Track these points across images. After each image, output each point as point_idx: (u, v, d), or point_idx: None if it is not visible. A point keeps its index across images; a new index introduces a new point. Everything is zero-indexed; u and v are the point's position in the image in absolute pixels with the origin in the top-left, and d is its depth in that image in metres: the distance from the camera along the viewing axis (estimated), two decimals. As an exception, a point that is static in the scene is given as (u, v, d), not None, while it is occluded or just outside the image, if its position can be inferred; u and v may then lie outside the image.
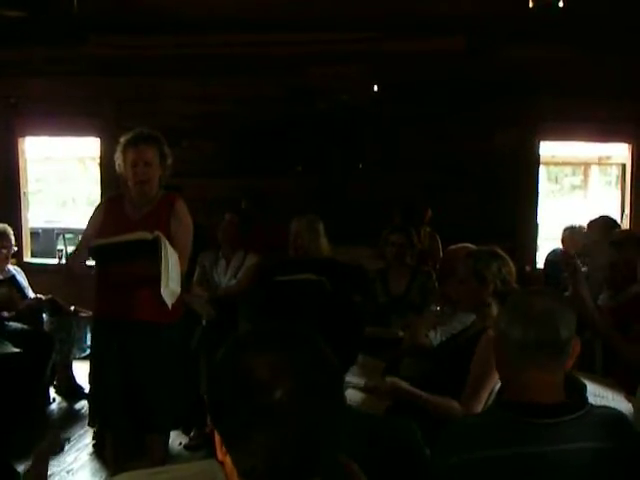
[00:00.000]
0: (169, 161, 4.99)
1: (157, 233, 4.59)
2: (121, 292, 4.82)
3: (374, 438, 2.57)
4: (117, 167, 4.99)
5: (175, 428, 5.71)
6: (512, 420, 2.44)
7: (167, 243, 4.59)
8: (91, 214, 5.14)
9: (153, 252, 4.55)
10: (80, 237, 5.32)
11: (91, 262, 5.05)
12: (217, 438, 1.65)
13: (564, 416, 2.42)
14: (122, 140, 4.95)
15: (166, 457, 5.43)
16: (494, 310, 4.11)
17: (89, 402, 5.41)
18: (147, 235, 4.59)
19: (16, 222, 8.74)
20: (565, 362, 2.50)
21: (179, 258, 4.71)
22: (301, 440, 1.54)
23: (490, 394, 3.88)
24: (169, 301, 4.66)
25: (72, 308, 7.50)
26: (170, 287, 4.63)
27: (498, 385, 3.92)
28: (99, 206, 5.18)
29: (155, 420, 4.97)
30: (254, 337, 1.70)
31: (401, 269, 6.37)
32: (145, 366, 4.84)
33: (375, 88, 8.42)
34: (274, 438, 1.53)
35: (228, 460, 1.62)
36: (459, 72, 8.29)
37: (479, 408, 3.75)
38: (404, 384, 3.90)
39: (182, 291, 4.98)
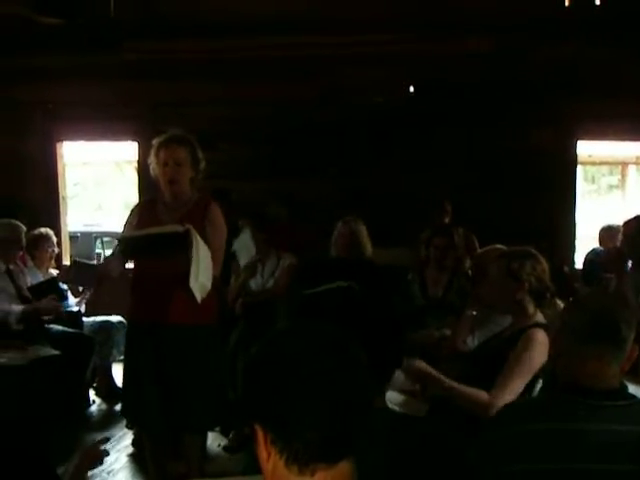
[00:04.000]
0: (202, 164, 5.01)
1: (188, 226, 4.60)
2: (154, 294, 4.85)
3: (415, 439, 2.58)
4: (151, 170, 5.03)
5: (211, 429, 5.73)
6: (568, 400, 2.58)
7: (198, 237, 4.60)
8: (126, 218, 5.19)
9: (184, 245, 4.57)
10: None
11: (128, 264, 5.09)
12: (260, 435, 1.69)
13: (618, 401, 2.57)
14: (155, 142, 4.99)
15: (204, 458, 5.45)
16: (531, 309, 4.11)
17: (123, 404, 5.43)
18: (178, 228, 4.61)
19: (55, 226, 8.81)
20: (622, 358, 2.64)
21: (212, 261, 4.73)
22: (340, 410, 1.63)
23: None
24: (198, 295, 4.65)
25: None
26: (200, 281, 4.63)
27: (539, 385, 3.92)
28: (133, 209, 5.22)
29: (190, 421, 5.00)
30: (287, 328, 1.83)
31: (440, 271, 6.34)
32: (179, 368, 4.86)
33: (411, 89, 8.41)
34: (319, 407, 1.62)
35: (273, 456, 1.66)
36: (494, 72, 8.26)
37: (506, 400, 3.74)
38: (431, 369, 3.87)
39: (216, 293, 5.01)
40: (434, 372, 3.84)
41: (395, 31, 7.99)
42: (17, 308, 6.54)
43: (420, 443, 2.60)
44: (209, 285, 4.74)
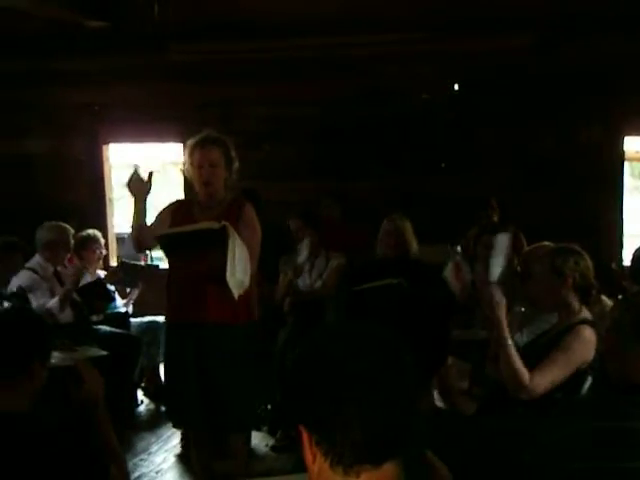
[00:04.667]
0: (235, 165, 5.02)
1: (224, 223, 4.62)
2: (191, 294, 4.87)
3: (464, 438, 2.57)
4: (185, 171, 5.06)
5: (252, 428, 5.73)
6: (621, 398, 2.61)
7: (235, 234, 4.61)
8: (158, 212, 5.21)
9: (221, 242, 4.59)
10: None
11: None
12: (305, 437, 1.69)
13: None
14: (189, 143, 5.01)
15: (250, 457, 5.47)
16: (576, 305, 4.10)
17: (166, 405, 5.46)
18: (214, 224, 4.62)
19: (102, 228, 8.88)
20: None
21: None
22: (385, 410, 1.62)
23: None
24: (235, 291, 4.67)
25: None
26: (237, 276, 4.64)
27: (589, 382, 3.90)
28: (166, 208, 5.21)
29: (231, 420, 5.02)
30: (332, 328, 1.86)
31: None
32: (219, 367, 4.88)
33: (456, 87, 8.36)
34: (364, 408, 1.60)
35: (318, 458, 1.66)
36: (539, 69, 8.18)
37: (541, 388, 3.75)
38: (502, 319, 3.87)
39: (255, 292, 5.03)
40: (503, 323, 3.85)
41: (438, 28, 7.95)
42: (52, 301, 6.58)
43: (468, 442, 2.58)
44: (247, 282, 4.75)
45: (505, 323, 3.86)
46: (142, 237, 5.06)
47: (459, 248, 6.10)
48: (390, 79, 8.49)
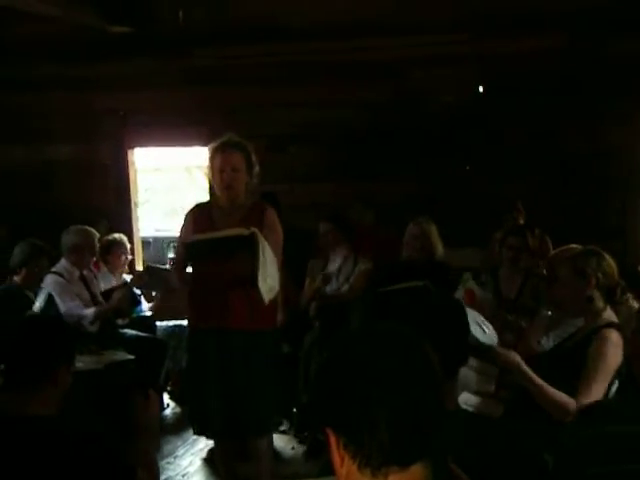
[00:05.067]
0: (256, 169, 5.02)
1: (253, 229, 4.62)
2: (216, 299, 4.87)
3: (490, 440, 2.56)
4: (206, 175, 5.06)
5: (271, 431, 5.73)
6: None
7: (263, 239, 4.61)
8: (182, 224, 5.22)
9: (249, 248, 4.58)
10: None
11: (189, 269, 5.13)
12: (332, 440, 1.69)
13: None
14: (210, 147, 5.01)
15: (276, 460, 5.46)
16: (600, 304, 4.10)
17: (189, 411, 5.46)
18: (244, 231, 4.63)
19: (128, 232, 8.91)
20: None
21: None
22: (413, 412, 1.62)
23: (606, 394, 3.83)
24: (266, 297, 4.68)
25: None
26: (268, 282, 4.65)
27: (615, 386, 3.86)
28: (188, 214, 5.22)
29: (254, 424, 5.02)
30: (358, 331, 1.83)
31: (514, 272, 6.25)
32: (241, 373, 4.89)
33: (480, 89, 8.33)
34: (391, 410, 1.61)
35: (346, 461, 1.66)
36: (565, 69, 8.14)
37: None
38: (522, 363, 3.85)
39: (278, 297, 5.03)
40: (526, 367, 3.83)
41: (463, 30, 7.93)
42: (89, 311, 6.63)
43: (492, 444, 2.57)
44: (276, 287, 4.77)
45: (527, 369, 3.84)
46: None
47: (470, 275, 6.06)
48: (417, 82, 8.46)
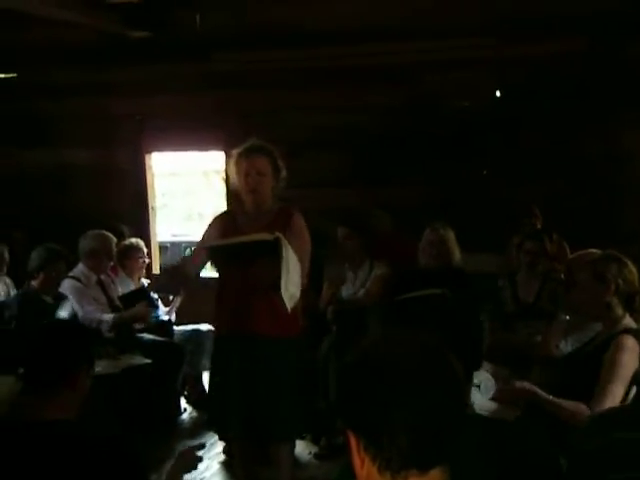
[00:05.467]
0: (283, 173, 5.00)
1: (278, 234, 4.59)
2: (241, 305, 4.86)
3: (504, 445, 2.55)
4: (231, 180, 5.05)
5: (295, 438, 5.72)
6: None
7: (288, 245, 4.59)
8: (206, 227, 5.21)
9: (273, 254, 4.56)
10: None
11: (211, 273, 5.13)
12: (353, 442, 1.70)
13: None
14: (234, 152, 5.00)
15: (294, 466, 5.46)
16: (619, 312, 4.07)
17: (209, 415, 5.46)
18: (268, 236, 4.60)
19: (145, 236, 8.94)
20: None
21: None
22: (432, 416, 1.63)
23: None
24: (289, 304, 4.64)
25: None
26: (290, 290, 4.62)
27: (633, 392, 3.84)
28: (214, 220, 5.23)
29: (277, 430, 5.01)
30: (380, 335, 1.84)
31: (531, 276, 6.23)
32: (266, 379, 4.87)
33: (498, 93, 8.31)
34: (412, 414, 1.62)
35: (366, 463, 1.67)
36: (584, 73, 8.10)
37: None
38: (535, 387, 3.89)
39: (302, 303, 5.01)
40: (538, 391, 3.86)
41: (480, 34, 7.91)
42: (108, 317, 6.65)
43: (508, 448, 2.56)
44: (298, 294, 4.74)
45: (542, 393, 3.89)
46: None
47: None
48: (433, 86, 8.45)
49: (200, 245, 5.16)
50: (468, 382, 2.73)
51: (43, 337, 3.17)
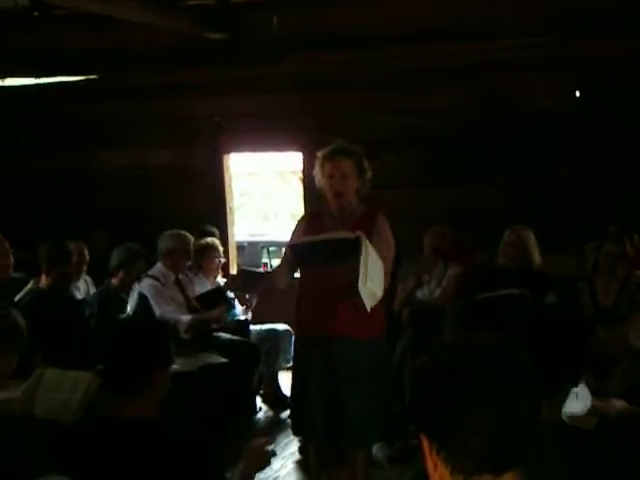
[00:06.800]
0: (368, 175, 4.99)
1: (359, 233, 4.58)
2: (322, 307, 4.84)
3: (584, 452, 2.51)
4: (317, 182, 5.06)
5: (375, 443, 5.70)
6: None
7: (368, 244, 4.56)
8: (293, 229, 5.23)
9: (355, 252, 4.52)
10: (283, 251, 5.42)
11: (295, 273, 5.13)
12: (426, 445, 1.70)
13: None
14: (319, 154, 5.01)
15: (368, 468, 5.44)
16: None
17: (291, 415, 5.46)
18: (349, 234, 4.58)
19: (223, 236, 9.00)
20: None
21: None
22: (506, 421, 1.62)
23: None
24: (367, 301, 4.57)
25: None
26: (369, 287, 4.54)
27: None
28: (300, 221, 5.26)
29: (355, 435, 4.97)
30: (458, 339, 1.82)
31: (611, 279, 6.13)
32: (346, 382, 4.83)
33: (577, 93, 8.18)
34: (485, 418, 1.61)
35: (439, 466, 1.67)
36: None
37: None
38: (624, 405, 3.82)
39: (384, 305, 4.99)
40: (625, 405, 3.82)
41: (559, 33, 7.80)
42: (185, 318, 6.70)
43: (589, 457, 2.52)
44: (379, 294, 4.67)
45: (626, 405, 3.85)
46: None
47: None
48: (510, 86, 8.36)
49: (286, 250, 5.16)
50: (559, 391, 2.68)
51: (124, 335, 3.19)
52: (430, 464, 1.69)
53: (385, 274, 4.74)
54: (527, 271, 6.35)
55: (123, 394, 3.03)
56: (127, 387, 3.03)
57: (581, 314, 6.06)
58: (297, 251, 4.90)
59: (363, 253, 4.48)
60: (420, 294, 7.02)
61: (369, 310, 4.61)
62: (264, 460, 3.30)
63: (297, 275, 5.23)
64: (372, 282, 4.56)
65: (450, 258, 7.10)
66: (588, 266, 6.60)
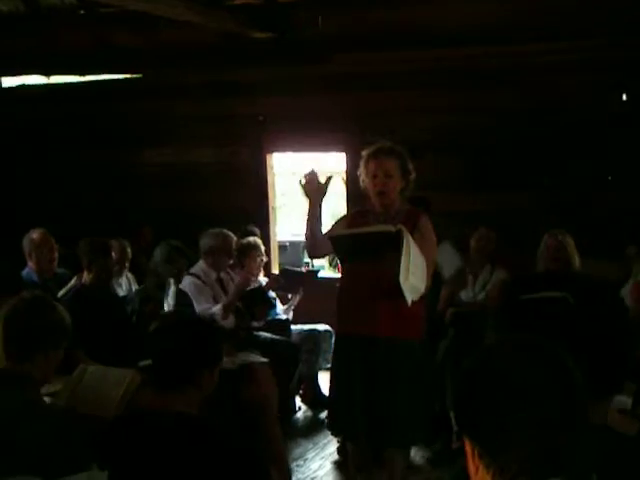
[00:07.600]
0: (412, 176, 4.98)
1: (400, 226, 4.56)
2: (364, 304, 4.82)
3: (624, 457, 2.49)
4: (361, 182, 5.06)
5: (414, 444, 5.68)
6: None
7: (410, 237, 4.54)
8: (335, 221, 5.23)
9: (396, 247, 4.51)
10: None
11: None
12: (468, 449, 1.70)
13: None
14: (364, 154, 5.01)
15: (407, 470, 5.42)
16: None
17: (329, 415, 5.45)
18: (390, 228, 4.57)
19: (265, 235, 9.03)
20: None
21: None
22: (550, 427, 1.61)
23: None
24: (409, 295, 4.53)
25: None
26: (411, 281, 4.51)
27: None
28: (344, 217, 5.28)
29: (395, 436, 4.95)
30: (503, 342, 1.82)
31: (655, 285, 6.07)
32: (387, 383, 4.82)
33: (624, 97, 8.09)
34: (530, 423, 1.60)
35: (480, 470, 1.67)
36: None
37: None
38: None
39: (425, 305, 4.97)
40: None
41: (607, 35, 7.72)
42: (216, 307, 6.70)
43: (629, 463, 2.50)
44: (422, 289, 4.64)
45: None
46: (315, 245, 5.06)
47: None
48: (556, 89, 8.29)
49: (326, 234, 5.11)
50: (605, 396, 2.65)
51: (174, 333, 3.17)
52: (472, 468, 1.68)
53: (428, 273, 4.72)
54: (568, 275, 6.30)
55: (167, 392, 3.03)
56: (173, 386, 3.03)
57: (626, 318, 6.00)
58: (337, 243, 4.89)
59: (404, 246, 4.46)
60: (464, 296, 6.99)
61: (409, 304, 4.58)
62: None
63: (338, 275, 5.22)
64: (414, 276, 4.52)
65: (498, 262, 7.07)
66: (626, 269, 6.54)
